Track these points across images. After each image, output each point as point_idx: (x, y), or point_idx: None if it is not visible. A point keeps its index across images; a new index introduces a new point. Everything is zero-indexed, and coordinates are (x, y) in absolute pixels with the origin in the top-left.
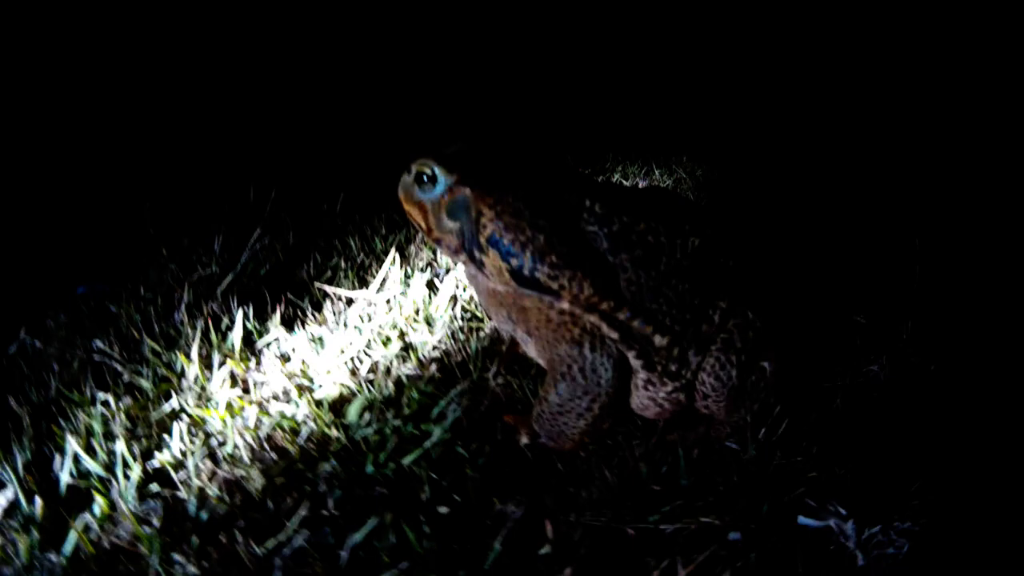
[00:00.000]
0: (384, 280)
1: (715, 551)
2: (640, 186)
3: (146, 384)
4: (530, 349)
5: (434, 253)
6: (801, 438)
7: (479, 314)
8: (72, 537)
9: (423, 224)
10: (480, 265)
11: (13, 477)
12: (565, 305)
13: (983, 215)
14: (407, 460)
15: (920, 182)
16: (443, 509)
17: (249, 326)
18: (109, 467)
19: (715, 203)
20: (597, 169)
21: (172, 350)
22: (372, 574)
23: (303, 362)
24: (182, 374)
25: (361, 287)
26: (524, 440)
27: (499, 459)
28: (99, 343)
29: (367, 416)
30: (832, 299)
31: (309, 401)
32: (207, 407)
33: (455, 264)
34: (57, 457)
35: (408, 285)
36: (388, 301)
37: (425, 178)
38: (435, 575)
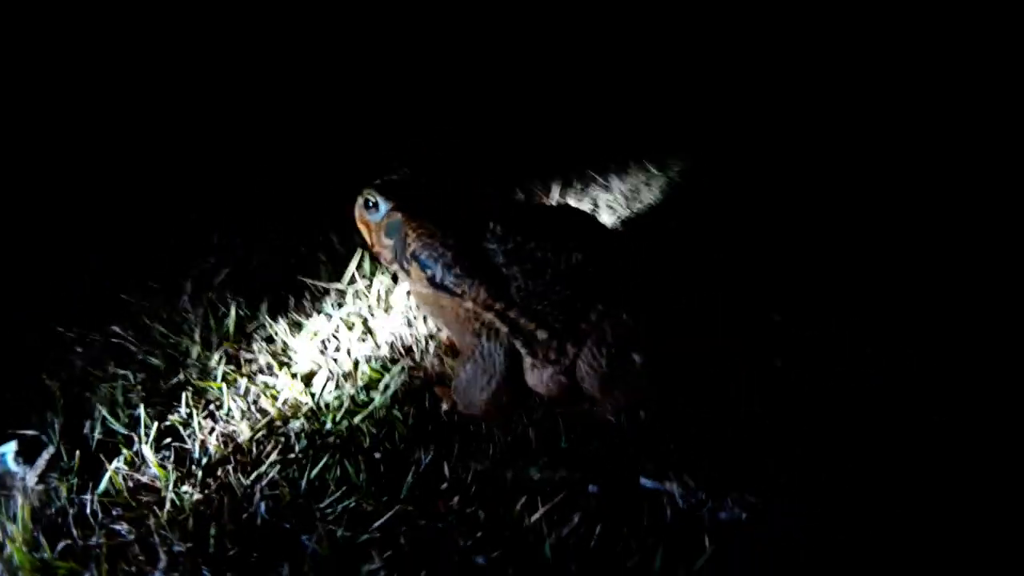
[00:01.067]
0: (353, 274)
1: (570, 496)
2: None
3: (157, 362)
4: (447, 334)
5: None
6: (667, 421)
7: None
8: (106, 478)
9: (368, 239)
10: (407, 273)
11: (54, 437)
12: (469, 305)
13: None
14: (356, 420)
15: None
16: (376, 455)
17: (242, 313)
18: (131, 427)
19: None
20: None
21: (178, 334)
22: (323, 497)
23: (284, 343)
24: (187, 353)
25: (337, 279)
26: (445, 407)
27: (424, 421)
28: (116, 328)
29: (329, 386)
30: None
31: (287, 374)
32: (208, 379)
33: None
34: (88, 421)
35: (374, 277)
36: (356, 292)
37: (370, 203)
38: (366, 499)
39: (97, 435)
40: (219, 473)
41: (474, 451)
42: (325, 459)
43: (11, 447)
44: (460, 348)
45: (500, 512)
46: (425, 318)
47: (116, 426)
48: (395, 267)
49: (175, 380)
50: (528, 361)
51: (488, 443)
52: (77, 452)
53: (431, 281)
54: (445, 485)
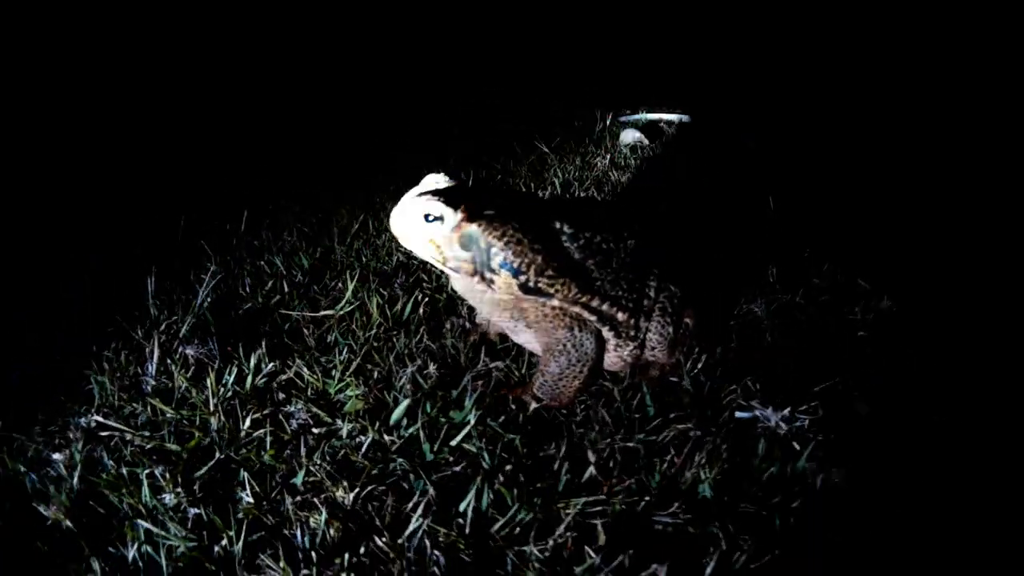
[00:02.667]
0: (342, 296)
1: (692, 446)
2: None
3: (174, 447)
4: (522, 337)
5: (359, 259)
6: (718, 366)
7: (441, 309)
8: None
9: (436, 256)
10: (491, 282)
11: None
12: (556, 302)
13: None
14: (455, 441)
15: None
16: (508, 467)
17: (241, 363)
18: (199, 534)
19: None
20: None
21: (174, 404)
22: (489, 526)
23: (319, 387)
24: (206, 427)
25: (308, 304)
26: (533, 404)
27: (518, 422)
28: (98, 418)
29: (405, 417)
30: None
31: (345, 418)
32: (250, 451)
33: (440, 272)
34: (133, 547)
35: (357, 298)
36: (351, 315)
37: (431, 217)
38: (529, 508)
39: (163, 561)
40: (360, 550)
41: (587, 435)
42: (471, 492)
43: None
44: (544, 346)
45: (649, 472)
46: (453, 330)
47: (174, 540)
48: (473, 279)
49: (211, 463)
50: (612, 343)
51: (592, 424)
52: None
53: (523, 286)
54: (592, 470)
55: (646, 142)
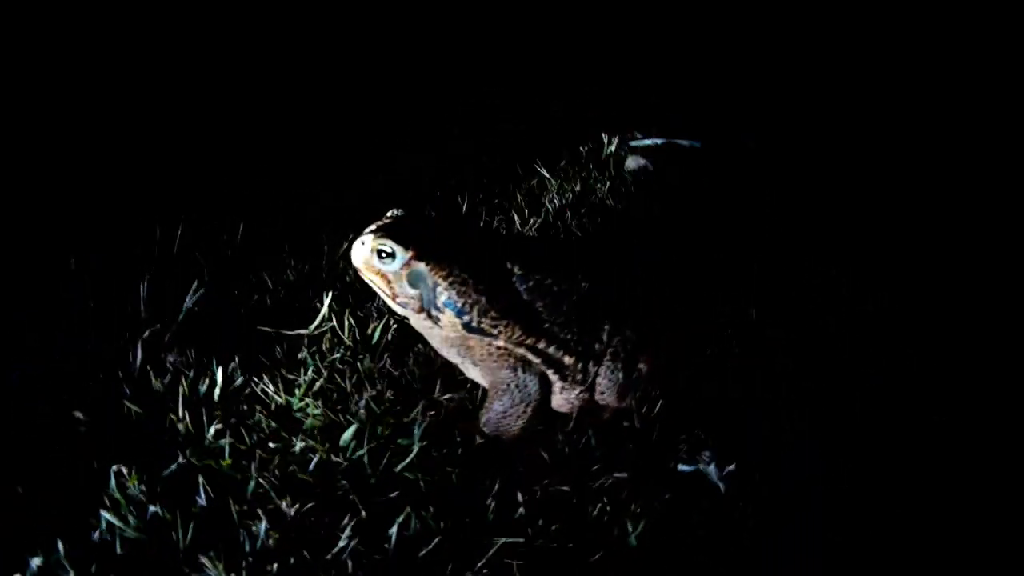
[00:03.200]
0: (320, 317)
1: (628, 496)
2: None
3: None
4: (471, 372)
5: (342, 278)
6: (674, 414)
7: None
8: None
9: (386, 290)
10: (436, 320)
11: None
12: (501, 343)
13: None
14: (398, 468)
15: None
16: (440, 499)
17: (218, 376)
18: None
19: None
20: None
21: (147, 409)
22: (415, 552)
23: (280, 403)
24: (173, 431)
25: (288, 319)
26: (478, 440)
27: (464, 456)
28: (79, 414)
29: (353, 441)
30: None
31: (305, 438)
32: (210, 458)
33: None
34: (95, 533)
35: (333, 318)
36: (325, 334)
37: (383, 254)
38: (453, 542)
39: (119, 548)
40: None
41: (525, 474)
42: (400, 517)
43: None
44: (490, 384)
45: (578, 517)
46: (416, 357)
47: (130, 532)
48: (421, 316)
49: (174, 466)
50: (558, 385)
51: (531, 464)
52: None
53: (466, 326)
54: (522, 510)
55: (651, 168)
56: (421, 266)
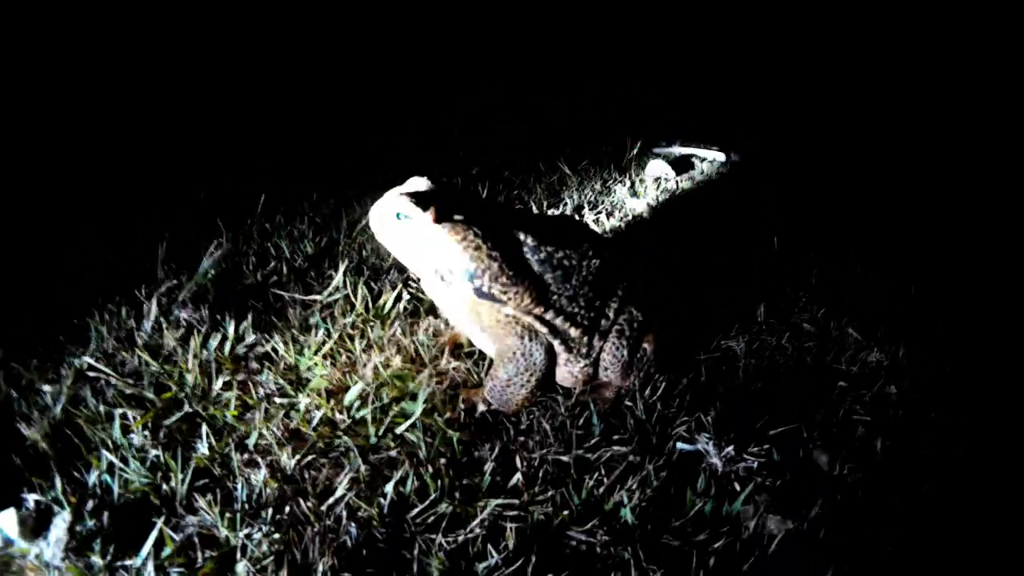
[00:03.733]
0: (334, 284)
1: (625, 469)
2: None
3: (150, 395)
4: (479, 340)
5: (359, 252)
6: (675, 397)
7: (422, 309)
8: (152, 537)
9: (402, 251)
10: (449, 284)
11: (62, 500)
12: (510, 310)
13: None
14: (400, 430)
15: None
16: (442, 461)
17: (230, 331)
18: (155, 472)
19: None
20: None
21: (160, 360)
22: (408, 511)
23: (290, 362)
24: (181, 382)
25: (301, 287)
26: (481, 407)
27: (465, 423)
28: (89, 360)
29: (358, 400)
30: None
31: (308, 394)
32: (217, 408)
33: (415, 277)
34: (95, 473)
35: (349, 286)
36: (337, 302)
37: (401, 216)
38: (449, 501)
39: (117, 489)
40: (286, 510)
41: (526, 442)
42: (398, 473)
43: (10, 516)
44: (496, 351)
45: (575, 489)
46: (426, 328)
47: (131, 474)
48: (434, 279)
49: (179, 414)
50: (563, 357)
51: (534, 433)
52: (105, 513)
53: (477, 291)
54: (519, 477)
55: (672, 174)
56: (437, 229)
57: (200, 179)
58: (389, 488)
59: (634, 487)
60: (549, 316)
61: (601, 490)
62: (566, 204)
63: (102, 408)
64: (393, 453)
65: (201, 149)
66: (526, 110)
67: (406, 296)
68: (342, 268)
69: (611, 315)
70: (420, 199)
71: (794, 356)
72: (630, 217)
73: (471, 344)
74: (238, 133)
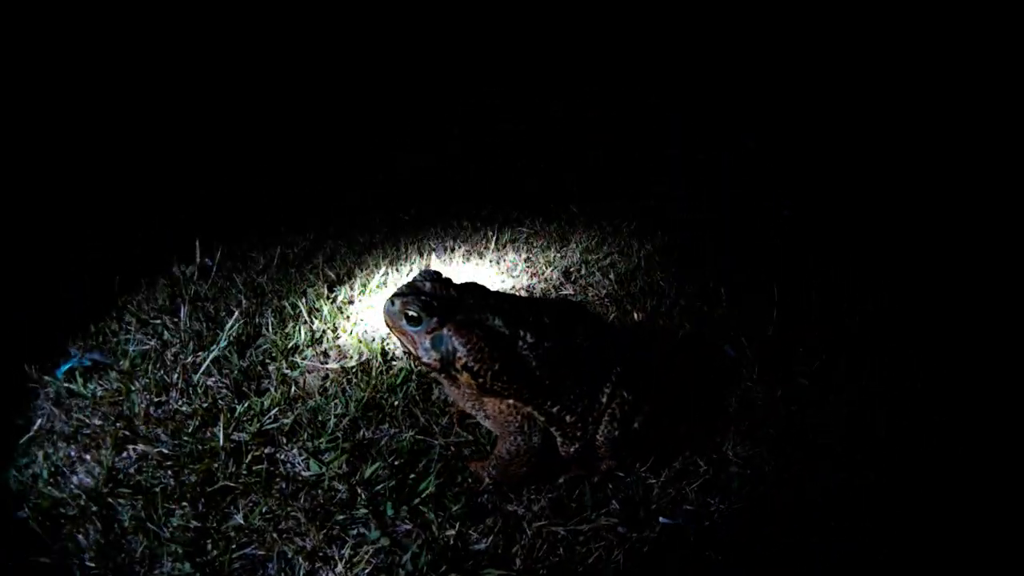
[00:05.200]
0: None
1: (611, 541)
2: None
3: (190, 466)
4: (484, 421)
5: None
6: (662, 467)
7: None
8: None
9: (411, 348)
10: (455, 378)
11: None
12: (511, 401)
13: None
14: (413, 503)
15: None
16: (450, 532)
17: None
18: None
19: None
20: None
21: (185, 430)
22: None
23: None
24: (214, 454)
25: (321, 354)
26: (486, 480)
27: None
28: (124, 431)
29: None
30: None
31: (326, 466)
32: (246, 481)
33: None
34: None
35: (361, 353)
36: (351, 370)
37: (410, 317)
38: (457, 572)
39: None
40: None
41: (524, 514)
42: (410, 551)
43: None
44: (500, 433)
45: (567, 555)
46: (440, 399)
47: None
48: (441, 373)
49: (214, 487)
50: (559, 440)
51: (533, 505)
52: None
53: (480, 387)
54: (524, 541)
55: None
56: (444, 332)
57: (198, 178)
58: (407, 559)
59: (620, 559)
60: (546, 407)
61: (591, 560)
62: (573, 250)
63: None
64: (409, 526)
65: (200, 148)
66: (526, 110)
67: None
68: (357, 336)
69: (604, 400)
70: (426, 304)
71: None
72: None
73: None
74: (237, 133)
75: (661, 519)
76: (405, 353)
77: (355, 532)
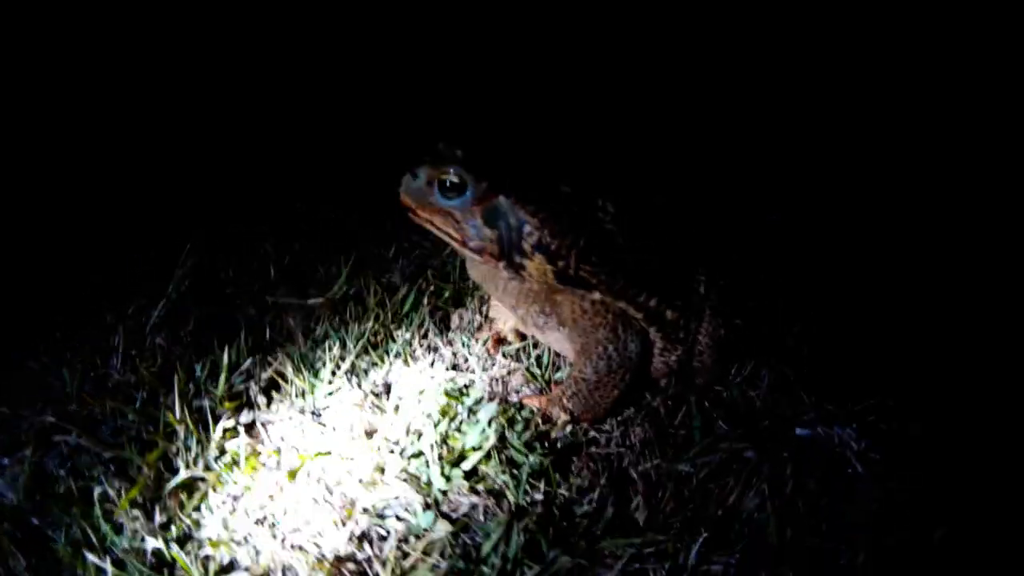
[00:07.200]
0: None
1: (751, 471)
2: None
3: (133, 457)
4: (551, 337)
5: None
6: (761, 375)
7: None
8: None
9: (451, 231)
10: (520, 268)
11: None
12: (597, 296)
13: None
14: (469, 464)
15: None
16: (538, 497)
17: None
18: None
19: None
20: None
21: (132, 405)
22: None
23: (303, 388)
24: (171, 436)
25: (296, 291)
26: (563, 418)
27: (548, 439)
28: (49, 417)
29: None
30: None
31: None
32: (221, 466)
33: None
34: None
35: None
36: (344, 304)
37: (448, 184)
38: (567, 551)
39: None
40: None
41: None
42: (494, 534)
43: None
44: (581, 347)
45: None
46: (466, 322)
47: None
48: (497, 264)
49: (175, 481)
50: (659, 346)
51: (633, 441)
52: None
53: (559, 274)
54: (639, 499)
55: None
56: (501, 200)
57: (190, 174)
58: (489, 550)
59: (766, 491)
60: (643, 298)
61: (731, 500)
62: None
63: (76, 484)
64: (475, 499)
65: (198, 147)
66: (526, 110)
67: (428, 288)
68: (347, 264)
69: (702, 290)
70: (471, 164)
71: None
72: None
73: (523, 338)
74: (236, 133)
75: (797, 430)
76: (437, 243)
77: (393, 519)
